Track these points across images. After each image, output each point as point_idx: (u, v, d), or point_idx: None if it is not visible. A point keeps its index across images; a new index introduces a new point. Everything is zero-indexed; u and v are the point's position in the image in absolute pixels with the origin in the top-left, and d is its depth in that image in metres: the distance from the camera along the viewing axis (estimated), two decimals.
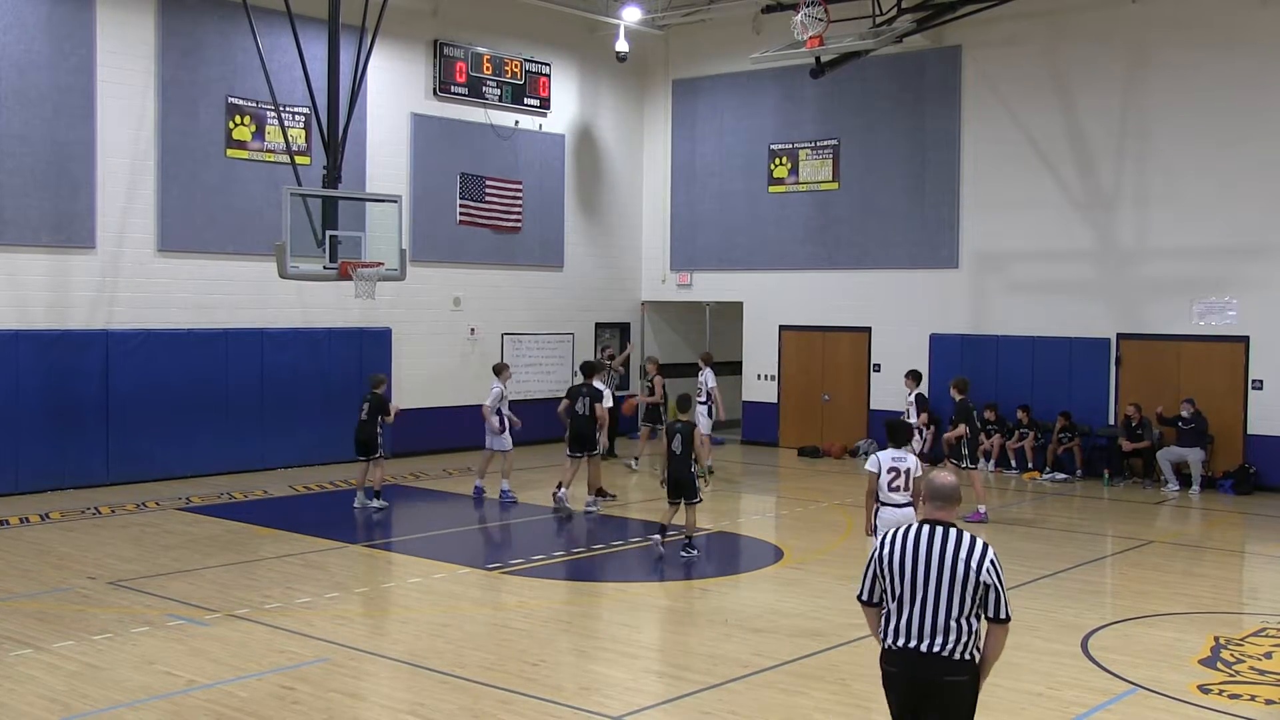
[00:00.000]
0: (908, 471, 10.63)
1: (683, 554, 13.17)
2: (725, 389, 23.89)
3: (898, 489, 10.62)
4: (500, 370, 17.05)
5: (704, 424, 18.81)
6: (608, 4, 22.96)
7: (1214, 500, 17.92)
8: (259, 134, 19.03)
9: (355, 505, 16.06)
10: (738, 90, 24.12)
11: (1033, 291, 20.79)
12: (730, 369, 24.90)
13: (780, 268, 23.60)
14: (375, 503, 15.98)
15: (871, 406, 22.36)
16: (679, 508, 13.31)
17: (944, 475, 5.94)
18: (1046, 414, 20.11)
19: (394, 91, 20.97)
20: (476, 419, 22.19)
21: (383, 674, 9.16)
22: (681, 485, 13.20)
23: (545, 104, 23.28)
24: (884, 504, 10.66)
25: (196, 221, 18.42)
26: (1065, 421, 19.72)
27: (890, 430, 11.02)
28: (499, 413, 16.65)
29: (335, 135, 15.82)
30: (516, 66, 22.71)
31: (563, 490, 16.00)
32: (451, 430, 21.54)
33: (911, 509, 10.43)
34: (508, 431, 16.68)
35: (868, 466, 10.83)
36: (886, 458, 10.72)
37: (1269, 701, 8.59)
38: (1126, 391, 19.64)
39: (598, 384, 16.47)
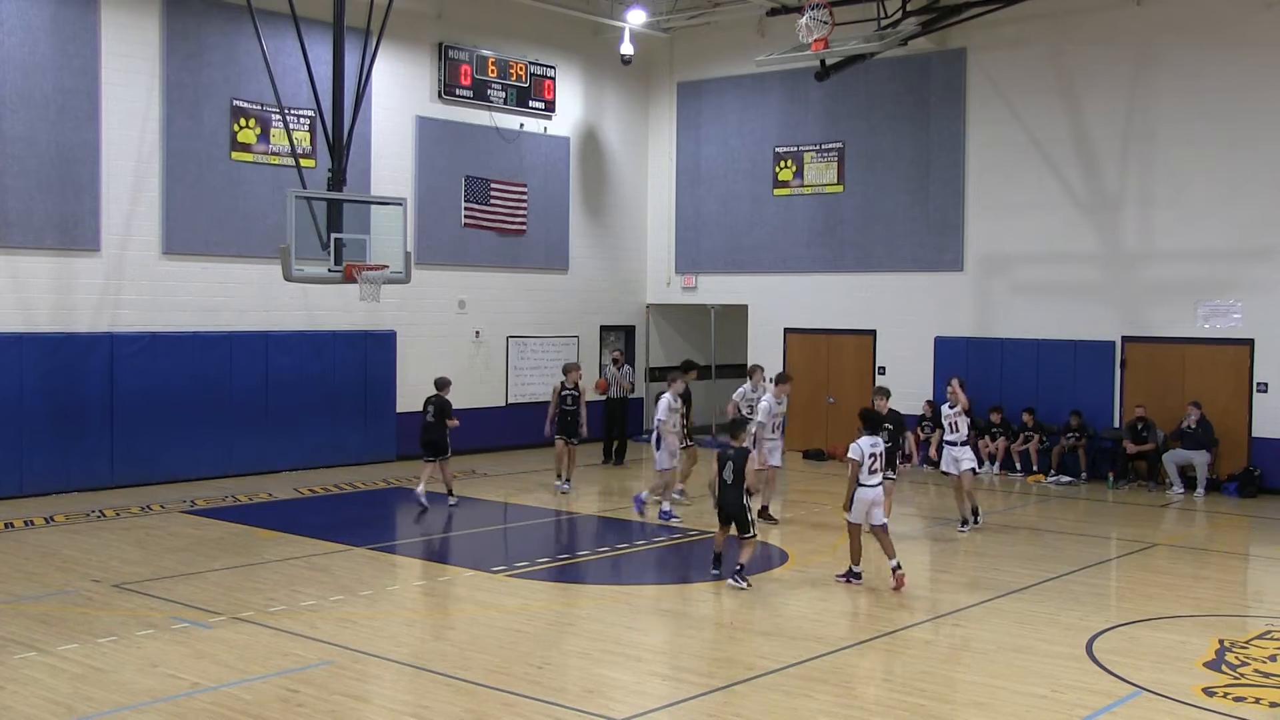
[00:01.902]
0: (880, 455, 11.96)
1: (731, 581, 11.97)
2: (723, 391, 23.86)
3: (875, 471, 11.88)
4: (673, 381, 16.07)
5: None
6: (612, 7, 22.97)
7: (1218, 503, 17.89)
8: (264, 136, 19.05)
9: (450, 503, 16.49)
10: (742, 93, 24.12)
11: (1037, 294, 20.76)
12: (735, 372, 24.87)
13: (785, 270, 23.59)
14: (450, 499, 16.53)
15: None
16: (729, 528, 12.27)
17: None
18: (1051, 417, 20.10)
19: (399, 94, 20.99)
20: (480, 421, 22.34)
21: (387, 676, 9.16)
22: (734, 518, 12.08)
23: (550, 107, 23.29)
24: (861, 484, 11.80)
25: (201, 224, 18.44)
26: (1078, 420, 19.67)
27: (868, 419, 12.25)
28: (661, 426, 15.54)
29: (340, 138, 15.82)
30: (521, 69, 22.71)
31: (679, 486, 16.67)
32: (457, 433, 21.47)
33: (880, 489, 11.93)
34: (665, 448, 15.52)
35: (851, 455, 11.90)
36: (867, 445, 11.84)
37: (1273, 704, 8.57)
38: (1131, 394, 19.61)
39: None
